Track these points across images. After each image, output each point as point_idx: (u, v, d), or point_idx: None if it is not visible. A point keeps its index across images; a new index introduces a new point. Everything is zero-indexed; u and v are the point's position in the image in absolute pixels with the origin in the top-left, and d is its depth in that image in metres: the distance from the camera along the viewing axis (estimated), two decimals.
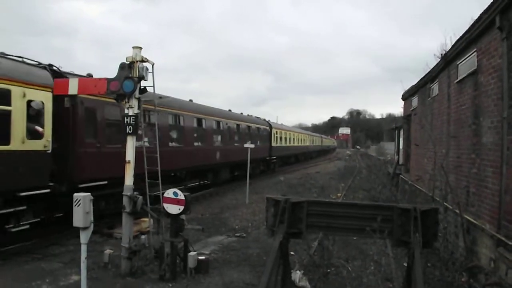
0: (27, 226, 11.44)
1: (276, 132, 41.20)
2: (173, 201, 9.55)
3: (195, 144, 22.06)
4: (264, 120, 39.36)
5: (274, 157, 39.81)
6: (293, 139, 50.77)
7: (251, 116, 36.28)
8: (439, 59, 14.67)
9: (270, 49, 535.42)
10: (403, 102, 26.76)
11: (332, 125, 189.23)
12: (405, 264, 7.91)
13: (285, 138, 45.74)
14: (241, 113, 33.23)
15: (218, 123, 25.80)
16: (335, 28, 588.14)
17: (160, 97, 16.76)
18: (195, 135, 22.43)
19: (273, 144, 39.14)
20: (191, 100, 24.02)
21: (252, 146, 24.31)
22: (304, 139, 60.38)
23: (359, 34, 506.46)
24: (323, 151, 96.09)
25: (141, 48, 9.95)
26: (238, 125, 29.65)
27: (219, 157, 25.04)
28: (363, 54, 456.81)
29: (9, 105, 10.34)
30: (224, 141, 26.55)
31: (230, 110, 30.57)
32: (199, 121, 22.80)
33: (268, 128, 38.22)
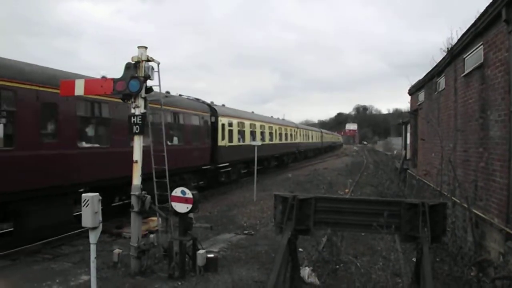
0: None
1: (230, 123, 26.63)
2: (181, 199, 9.57)
3: None
4: (204, 103, 24.53)
5: (226, 164, 25.30)
6: (267, 133, 35.10)
7: (182, 96, 23.07)
8: (445, 53, 14.60)
9: (277, 47, 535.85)
10: (409, 97, 26.66)
11: (339, 121, 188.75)
12: (414, 259, 7.91)
13: (251, 133, 30.88)
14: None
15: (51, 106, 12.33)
16: (342, 25, 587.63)
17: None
18: None
19: (221, 142, 24.61)
20: None
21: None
22: (290, 135, 44.69)
23: (366, 30, 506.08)
24: (325, 149, 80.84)
25: (146, 47, 9.99)
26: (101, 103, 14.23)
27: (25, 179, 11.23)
28: (370, 50, 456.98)
29: None
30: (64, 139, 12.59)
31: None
32: None
33: (207, 115, 23.43)
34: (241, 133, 28.74)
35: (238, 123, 28.34)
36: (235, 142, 27.10)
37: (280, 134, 40.13)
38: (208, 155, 22.96)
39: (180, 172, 19.04)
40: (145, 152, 10.26)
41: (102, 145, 14.40)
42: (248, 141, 28.48)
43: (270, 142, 35.89)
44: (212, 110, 24.42)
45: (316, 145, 66.75)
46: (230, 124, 26.53)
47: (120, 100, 10.76)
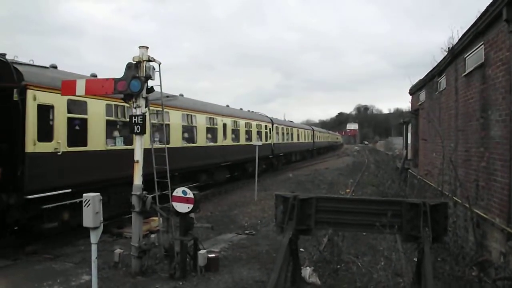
0: None
1: (78, 107, 12.90)
2: (182, 199, 9.57)
3: None
4: None
5: (59, 192, 11.76)
6: (203, 131, 21.76)
7: None
8: (446, 53, 14.59)
9: (279, 46, 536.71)
10: (410, 96, 26.65)
11: (340, 121, 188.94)
12: (415, 259, 7.90)
13: (158, 129, 15.33)
14: None
15: None
16: (345, 24, 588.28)
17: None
18: None
19: (39, 146, 11.30)
20: None
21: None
22: (258, 132, 31.87)
23: (369, 30, 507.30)
24: (320, 151, 69.76)
25: (147, 47, 10.00)
26: None
27: None
28: (372, 50, 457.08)
29: None
30: None
31: None
32: None
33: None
34: (116, 126, 14.85)
35: (110, 107, 14.20)
36: (95, 145, 13.46)
37: (236, 132, 27.09)
38: None
39: None
40: None
41: None
42: (148, 144, 11.61)
43: (214, 144, 23.11)
44: (7, 73, 11.06)
45: (305, 147, 53.96)
46: (77, 109, 12.89)
47: None
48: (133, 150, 10.45)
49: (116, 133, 14.79)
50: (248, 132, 29.61)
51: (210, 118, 22.90)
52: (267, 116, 37.16)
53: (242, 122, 28.44)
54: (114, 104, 14.24)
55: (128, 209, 10.88)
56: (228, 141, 25.22)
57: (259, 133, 31.95)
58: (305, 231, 7.69)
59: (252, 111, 35.14)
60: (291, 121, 52.44)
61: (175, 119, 18.59)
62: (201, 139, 21.42)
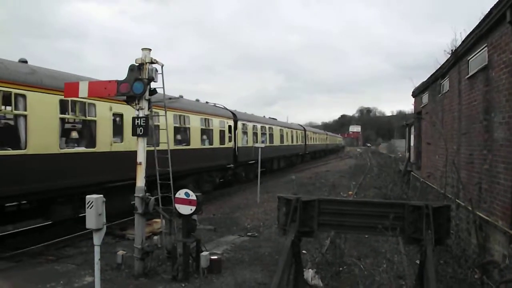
0: None
1: None
2: (184, 201, 9.59)
3: None
4: None
5: None
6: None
7: None
8: (449, 55, 14.57)
9: (281, 48, 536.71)
10: (413, 99, 26.60)
11: (342, 123, 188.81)
12: (418, 262, 7.89)
13: None
14: None
15: None
16: (347, 26, 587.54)
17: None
18: None
19: None
20: None
21: None
22: (203, 130, 21.61)
23: (371, 32, 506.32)
24: (313, 155, 60.08)
25: (150, 49, 10.03)
26: None
27: None
28: (375, 52, 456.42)
29: None
30: None
31: None
32: None
33: None
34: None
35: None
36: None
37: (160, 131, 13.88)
38: None
39: None
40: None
41: None
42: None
43: (91, 150, 13.37)
44: None
45: (293, 151, 44.31)
46: None
47: None
48: None
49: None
50: (184, 131, 19.66)
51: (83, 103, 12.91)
52: (226, 109, 27.09)
53: (171, 116, 17.24)
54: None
55: None
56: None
57: (207, 132, 22.20)
58: (308, 233, 7.67)
59: (207, 102, 25.81)
60: (274, 118, 41.08)
61: None
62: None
